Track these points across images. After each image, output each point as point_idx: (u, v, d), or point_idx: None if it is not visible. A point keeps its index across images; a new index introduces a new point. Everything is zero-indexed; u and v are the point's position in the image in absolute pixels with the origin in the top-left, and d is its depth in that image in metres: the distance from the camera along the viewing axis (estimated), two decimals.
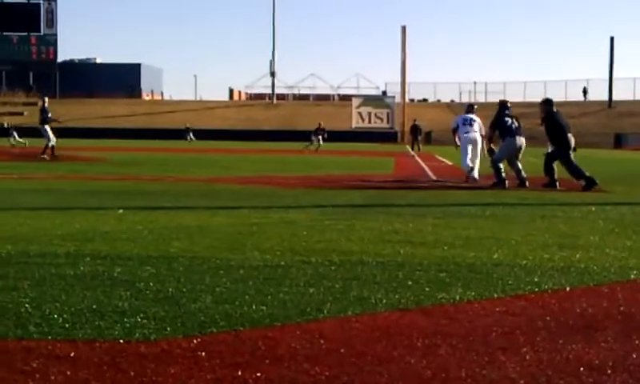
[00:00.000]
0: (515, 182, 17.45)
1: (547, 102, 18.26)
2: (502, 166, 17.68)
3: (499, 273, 6.63)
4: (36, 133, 30.68)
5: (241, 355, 4.23)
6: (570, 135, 17.42)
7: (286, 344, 4.45)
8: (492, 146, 18.78)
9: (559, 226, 10.06)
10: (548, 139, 17.76)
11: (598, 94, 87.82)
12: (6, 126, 52.78)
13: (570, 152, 17.24)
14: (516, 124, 18.14)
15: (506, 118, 18.14)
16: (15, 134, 49.21)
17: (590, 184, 16.67)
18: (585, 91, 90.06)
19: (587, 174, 16.99)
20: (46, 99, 30.39)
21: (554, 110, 17.94)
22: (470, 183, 18.34)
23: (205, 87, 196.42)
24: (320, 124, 53.73)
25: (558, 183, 16.97)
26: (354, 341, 4.55)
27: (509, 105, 18.81)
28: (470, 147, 19.51)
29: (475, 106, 21.43)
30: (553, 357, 4.30)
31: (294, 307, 5.30)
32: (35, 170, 22.18)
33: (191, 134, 72.11)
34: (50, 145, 28.28)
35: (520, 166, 17.64)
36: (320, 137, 50.84)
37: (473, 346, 4.49)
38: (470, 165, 19.45)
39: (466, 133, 19.69)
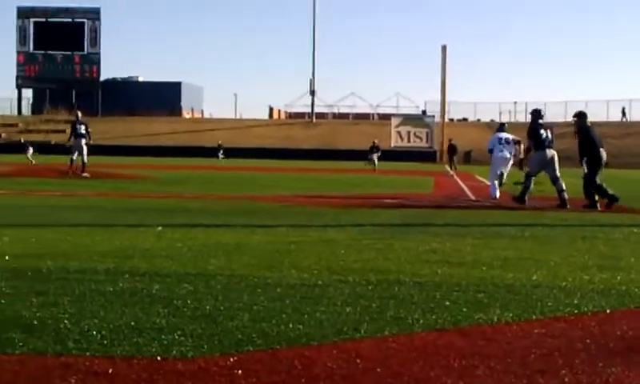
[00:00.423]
0: (556, 202, 17.31)
1: (581, 116, 18.03)
2: (532, 184, 17.74)
3: (538, 294, 6.57)
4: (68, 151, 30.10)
5: (277, 374, 4.23)
6: (602, 150, 17.26)
7: (322, 363, 4.44)
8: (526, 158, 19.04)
9: (600, 248, 9.95)
10: (579, 153, 17.52)
11: None
12: (22, 141, 53.21)
13: (599, 170, 17.10)
14: (550, 137, 18.07)
15: (541, 130, 18.02)
16: (31, 149, 49.86)
17: (611, 201, 16.74)
18: (623, 111, 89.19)
19: (610, 191, 16.98)
20: (79, 113, 30.18)
21: (588, 124, 17.80)
22: (490, 201, 18.67)
23: (245, 106, 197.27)
24: (374, 142, 53.38)
25: (598, 204, 16.81)
26: (390, 361, 4.54)
27: (543, 114, 18.80)
28: (501, 167, 20.05)
29: (506, 125, 22.14)
30: (592, 380, 4.25)
31: (331, 326, 5.29)
32: (78, 187, 22.41)
33: (221, 152, 72.34)
34: (73, 160, 28.16)
35: (563, 185, 17.45)
36: (375, 155, 50.31)
37: (511, 367, 4.45)
38: (497, 183, 20.04)
39: (500, 151, 20.24)
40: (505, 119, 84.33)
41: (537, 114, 18.61)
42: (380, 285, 6.85)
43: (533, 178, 17.86)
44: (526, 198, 17.67)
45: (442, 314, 5.71)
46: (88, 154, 28.67)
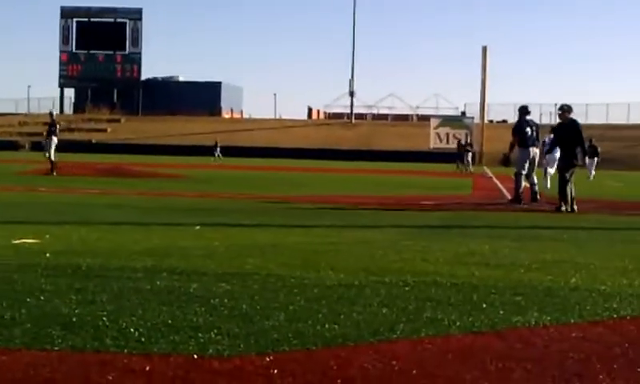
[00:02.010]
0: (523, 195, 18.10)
1: (562, 109, 17.07)
2: (523, 181, 18.13)
3: (576, 298, 6.51)
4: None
5: (313, 374, 4.24)
6: (579, 149, 16.64)
7: (358, 364, 4.44)
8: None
9: (639, 251, 9.84)
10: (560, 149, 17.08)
11: None
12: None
13: (572, 168, 16.44)
14: (534, 135, 18.31)
15: (527, 128, 18.25)
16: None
17: (558, 209, 16.22)
18: None
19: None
20: (54, 112, 31.29)
21: (573, 118, 16.93)
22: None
23: (284, 106, 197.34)
24: (459, 141, 50.63)
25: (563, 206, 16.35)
26: (426, 362, 4.52)
27: (529, 111, 18.91)
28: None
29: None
30: None
31: (367, 327, 5.28)
32: (116, 185, 22.59)
33: (219, 151, 71.89)
34: (50, 158, 28.13)
35: (535, 179, 18.29)
36: (469, 155, 46.61)
37: (548, 371, 4.42)
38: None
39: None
40: (545, 121, 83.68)
41: (523, 110, 18.75)
42: (417, 286, 6.82)
43: (522, 175, 18.15)
44: (521, 193, 18.05)
45: (478, 316, 5.68)
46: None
